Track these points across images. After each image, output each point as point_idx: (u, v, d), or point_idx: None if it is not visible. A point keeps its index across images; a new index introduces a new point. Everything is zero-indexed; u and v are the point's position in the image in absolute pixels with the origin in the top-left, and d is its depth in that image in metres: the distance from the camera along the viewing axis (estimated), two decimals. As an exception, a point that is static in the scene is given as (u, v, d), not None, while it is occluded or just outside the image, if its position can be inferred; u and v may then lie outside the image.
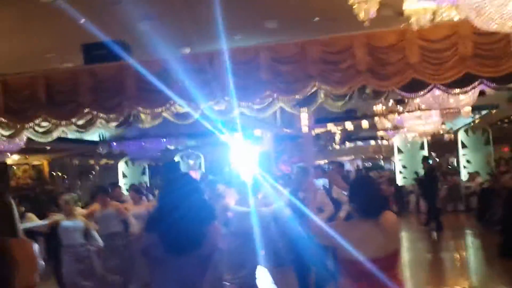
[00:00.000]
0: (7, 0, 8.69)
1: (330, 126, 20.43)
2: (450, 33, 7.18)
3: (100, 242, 9.16)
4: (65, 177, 22.15)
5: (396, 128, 18.23)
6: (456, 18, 6.97)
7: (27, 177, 20.11)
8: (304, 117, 14.70)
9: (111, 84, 8.23)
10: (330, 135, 22.90)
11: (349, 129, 20.15)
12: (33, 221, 9.89)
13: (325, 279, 6.99)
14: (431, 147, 23.15)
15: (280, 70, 7.82)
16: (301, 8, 9.45)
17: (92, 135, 15.62)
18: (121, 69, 8.11)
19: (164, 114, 8.59)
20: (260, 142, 17.99)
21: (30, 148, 15.32)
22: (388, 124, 17.59)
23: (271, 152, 17.34)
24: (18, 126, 8.65)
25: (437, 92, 9.08)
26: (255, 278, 8.49)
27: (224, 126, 10.95)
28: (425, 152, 22.16)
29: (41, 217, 10.26)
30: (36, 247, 6.68)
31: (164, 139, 17.57)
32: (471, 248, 13.57)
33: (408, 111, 14.81)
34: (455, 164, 23.78)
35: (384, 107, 15.17)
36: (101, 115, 8.49)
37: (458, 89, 7.95)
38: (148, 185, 21.45)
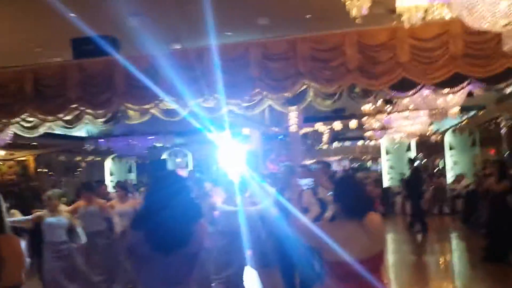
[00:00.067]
0: (-4, -5, 8.61)
1: (318, 126, 20.44)
2: (441, 31, 7.19)
3: (84, 239, 9.07)
4: (51, 173, 21.98)
5: (384, 128, 18.28)
6: (447, 17, 6.96)
7: (12, 173, 19.92)
8: (293, 116, 14.74)
9: (100, 80, 8.17)
10: (318, 135, 22.93)
11: (337, 129, 20.16)
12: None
13: (311, 279, 6.95)
14: (418, 148, 23.26)
15: (270, 67, 7.80)
16: (293, 5, 9.44)
17: (79, 131, 15.49)
18: (110, 65, 8.06)
19: (153, 110, 8.54)
20: (248, 141, 17.96)
21: (16, 144, 15.17)
22: (376, 124, 17.63)
23: (259, 151, 17.31)
24: (4, 121, 8.56)
25: (425, 92, 9.12)
26: (242, 278, 8.46)
27: (212, 124, 10.88)
28: (412, 153, 22.25)
29: (25, 213, 10.12)
30: (23, 243, 6.58)
31: (152, 137, 17.51)
32: (456, 251, 13.60)
33: (396, 111, 14.85)
34: (442, 166, 23.87)
35: (372, 107, 15.20)
36: (89, 110, 8.43)
37: (447, 89, 7.98)
38: (135, 182, 21.37)
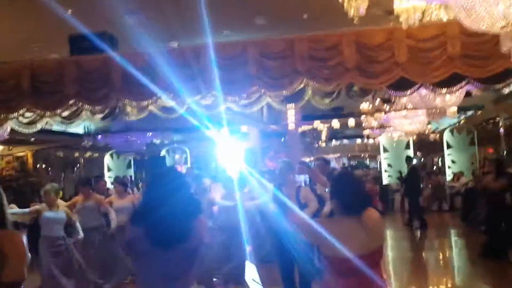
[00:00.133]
0: (-7, -10, 8.59)
1: (317, 124, 20.46)
2: (438, 32, 7.20)
3: (82, 234, 9.09)
4: (49, 169, 22.00)
5: (382, 126, 18.31)
6: (445, 18, 6.96)
7: (11, 168, 19.93)
8: (291, 113, 14.76)
9: (97, 76, 8.16)
10: (316, 133, 22.93)
11: (335, 127, 20.17)
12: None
13: (310, 275, 6.96)
14: (416, 146, 23.28)
15: (268, 66, 7.80)
16: (290, 5, 9.42)
17: (77, 128, 15.49)
18: (107, 61, 8.05)
19: (150, 107, 8.54)
20: (246, 138, 17.97)
21: (14, 139, 15.17)
22: (374, 123, 17.64)
23: (257, 149, 17.33)
24: (2, 116, 8.55)
25: (424, 91, 9.12)
26: (243, 273, 8.47)
27: (210, 122, 10.89)
28: (411, 152, 22.27)
29: (23, 208, 10.15)
30: (24, 239, 6.56)
31: (150, 133, 17.51)
32: (454, 248, 13.62)
33: (394, 110, 14.86)
34: (440, 164, 23.91)
35: (370, 106, 15.20)
36: (86, 106, 8.43)
37: (445, 89, 7.98)
38: (133, 178, 21.36)
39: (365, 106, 15.34)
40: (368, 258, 3.57)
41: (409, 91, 7.99)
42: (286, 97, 8.38)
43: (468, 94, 10.43)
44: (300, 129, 17.27)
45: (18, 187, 18.10)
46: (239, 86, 7.95)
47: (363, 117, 17.11)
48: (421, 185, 17.31)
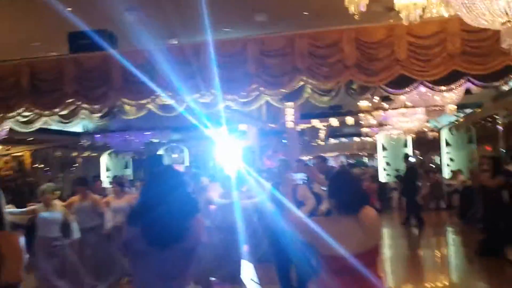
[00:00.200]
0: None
1: (315, 122, 20.46)
2: (439, 29, 7.19)
3: (78, 235, 9.04)
4: (48, 169, 21.93)
5: (380, 125, 18.30)
6: (445, 15, 6.96)
7: (9, 168, 19.88)
8: (290, 112, 14.75)
9: (96, 74, 8.15)
10: (315, 131, 22.93)
11: (333, 125, 20.17)
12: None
13: (307, 274, 6.95)
14: (415, 144, 23.27)
15: (268, 63, 7.79)
16: (290, 2, 9.41)
17: (76, 127, 15.45)
18: (107, 59, 8.03)
19: (149, 106, 8.52)
20: (244, 137, 17.95)
21: (12, 139, 15.12)
22: (373, 121, 17.64)
23: (255, 147, 17.31)
24: (1, 115, 8.53)
25: (422, 89, 9.13)
26: (239, 272, 8.46)
27: (209, 120, 10.87)
28: (409, 150, 22.27)
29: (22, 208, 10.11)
30: (22, 240, 6.51)
31: (148, 132, 17.47)
32: (452, 246, 13.63)
33: (393, 108, 14.86)
34: (438, 162, 23.91)
35: (369, 104, 15.20)
36: (85, 105, 8.40)
37: (445, 87, 7.98)
38: (132, 178, 21.32)
39: (363, 104, 15.33)
40: (365, 257, 3.55)
41: (408, 88, 7.98)
42: (285, 95, 8.36)
43: (467, 91, 10.43)
44: (298, 128, 17.25)
45: (16, 187, 18.04)
46: (239, 84, 7.94)
47: (361, 115, 17.11)
48: (419, 184, 17.29)
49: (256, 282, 8.99)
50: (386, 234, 14.73)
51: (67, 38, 8.56)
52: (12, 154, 19.86)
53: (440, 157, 22.48)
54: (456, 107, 14.01)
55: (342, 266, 3.53)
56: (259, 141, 18.06)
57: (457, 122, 20.40)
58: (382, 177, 22.68)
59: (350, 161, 31.72)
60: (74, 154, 22.60)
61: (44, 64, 8.34)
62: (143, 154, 21.34)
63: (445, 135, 21.26)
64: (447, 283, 9.53)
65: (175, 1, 8.49)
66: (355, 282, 3.55)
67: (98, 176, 17.12)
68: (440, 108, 13.90)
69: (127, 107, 8.80)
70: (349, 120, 18.50)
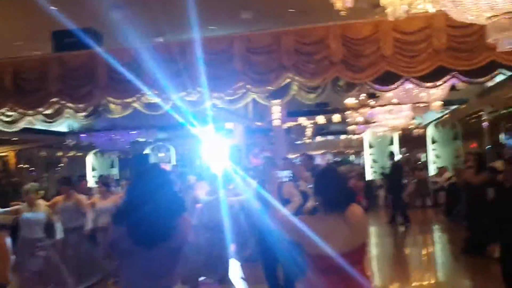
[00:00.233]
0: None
1: (301, 120, 20.46)
2: (424, 25, 7.21)
3: (61, 235, 8.95)
4: (32, 169, 21.77)
5: (367, 122, 18.33)
6: (431, 10, 6.97)
7: (-8, 168, 19.74)
8: (276, 110, 14.73)
9: (81, 73, 8.08)
10: (301, 129, 22.94)
11: (320, 123, 20.20)
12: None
13: (294, 273, 6.93)
14: (401, 142, 23.34)
15: (254, 60, 7.77)
16: (276, -1, 9.41)
17: (60, 126, 15.32)
18: (92, 58, 7.96)
19: (135, 104, 8.46)
20: (231, 135, 17.92)
21: (-3, 139, 15.01)
22: (359, 118, 17.66)
23: (242, 146, 17.28)
24: (-17, 116, 8.44)
25: (408, 86, 9.15)
26: (227, 271, 8.43)
27: (195, 119, 10.82)
28: (395, 147, 22.34)
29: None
30: (8, 240, 6.38)
31: (134, 131, 17.38)
32: (438, 244, 13.68)
33: (379, 105, 14.89)
34: (425, 159, 24.00)
35: (356, 101, 15.22)
36: (70, 104, 8.33)
37: (431, 83, 8.00)
38: (118, 177, 21.21)
39: (350, 101, 15.35)
40: (351, 256, 3.53)
41: (395, 85, 7.99)
42: (271, 93, 8.34)
43: (452, 88, 10.46)
44: (285, 126, 17.25)
45: (0, 187, 17.90)
46: (225, 82, 7.91)
47: (348, 112, 17.14)
48: (404, 181, 17.33)
49: (244, 280, 8.97)
50: (373, 233, 14.75)
51: (50, 37, 8.47)
52: (-4, 155, 19.70)
53: (426, 154, 22.56)
54: (442, 103, 14.05)
55: (329, 265, 3.50)
56: (246, 139, 18.03)
57: (442, 119, 20.50)
58: (369, 175, 22.74)
59: (337, 159, 31.76)
60: (59, 154, 22.45)
61: (27, 63, 8.26)
62: (129, 153, 21.23)
63: (431, 131, 21.35)
64: (433, 281, 9.57)
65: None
66: (342, 281, 3.53)
67: (84, 175, 17.01)
68: (426, 104, 13.95)
69: (112, 106, 8.73)
70: (336, 117, 18.53)
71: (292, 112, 17.95)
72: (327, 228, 3.57)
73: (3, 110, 8.39)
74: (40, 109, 8.37)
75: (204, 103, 8.43)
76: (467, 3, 4.81)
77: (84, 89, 8.06)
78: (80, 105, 8.45)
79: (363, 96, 14.40)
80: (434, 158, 21.36)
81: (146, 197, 3.30)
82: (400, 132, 20.78)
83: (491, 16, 4.84)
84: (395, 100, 13.53)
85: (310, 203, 7.49)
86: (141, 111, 8.77)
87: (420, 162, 25.10)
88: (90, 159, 22.09)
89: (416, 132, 22.32)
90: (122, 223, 3.29)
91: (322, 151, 31.07)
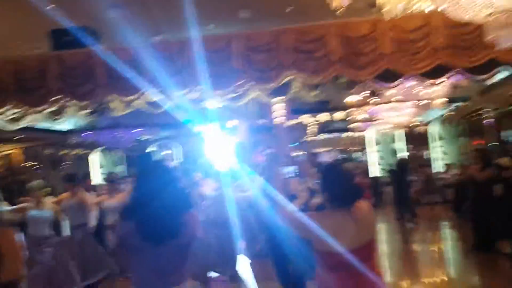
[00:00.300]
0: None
1: (305, 117, 20.41)
2: (423, 23, 7.22)
3: (67, 232, 8.99)
4: (38, 166, 21.84)
5: (370, 119, 18.27)
6: (428, 9, 6.96)
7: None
8: (279, 107, 14.70)
9: (80, 71, 8.10)
10: (305, 127, 22.88)
11: (323, 121, 20.13)
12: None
13: (304, 270, 6.94)
14: (407, 139, 23.28)
15: (253, 59, 7.78)
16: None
17: (64, 124, 15.38)
18: (90, 56, 7.99)
19: (136, 102, 8.49)
20: (236, 133, 17.91)
21: (1, 138, 15.05)
22: (362, 116, 17.61)
23: (247, 143, 17.26)
24: (-14, 113, 8.50)
25: (410, 83, 9.14)
26: (236, 267, 8.46)
27: (199, 116, 10.84)
28: (400, 144, 22.29)
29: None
30: (21, 237, 6.40)
31: (138, 129, 17.39)
32: (447, 240, 13.64)
33: (382, 103, 14.85)
34: (430, 156, 23.93)
35: (357, 99, 15.18)
36: (72, 102, 8.37)
37: (431, 80, 8.00)
38: (126, 174, 21.22)
39: (351, 99, 15.32)
40: (360, 252, 3.52)
41: (395, 83, 8.00)
42: (273, 90, 8.36)
43: (454, 85, 10.44)
44: (289, 123, 17.22)
45: (6, 185, 17.96)
46: (225, 80, 7.93)
47: (350, 110, 17.09)
48: (410, 178, 17.30)
49: (252, 277, 8.99)
50: (381, 229, 14.74)
51: (49, 35, 8.50)
52: (2, 153, 19.79)
53: (432, 150, 22.50)
54: (443, 100, 14.01)
55: (338, 262, 3.50)
56: (251, 137, 18.03)
57: (446, 116, 20.42)
58: (376, 172, 22.70)
59: (341, 156, 31.69)
60: (64, 152, 22.52)
61: (27, 61, 8.29)
62: (136, 151, 21.27)
63: (436, 129, 21.29)
64: (443, 278, 9.55)
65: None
66: (351, 277, 3.52)
67: (88, 173, 17.07)
68: (429, 102, 13.90)
69: (114, 104, 8.76)
70: (339, 115, 18.48)
71: (296, 110, 17.90)
72: (334, 224, 3.56)
73: (6, 108, 8.43)
74: (42, 107, 8.42)
75: (205, 101, 8.47)
76: (465, 1, 4.82)
77: (85, 87, 8.09)
78: (82, 103, 8.48)
79: (365, 94, 14.36)
80: (441, 155, 21.30)
81: (152, 194, 3.32)
82: (406, 129, 20.73)
83: (489, 14, 4.84)
84: (397, 98, 13.50)
85: (316, 199, 7.50)
86: (144, 109, 8.80)
87: (426, 159, 25.04)
88: (97, 157, 22.15)
89: (423, 129, 22.26)
90: (130, 219, 3.32)
91: (326, 149, 31.02)
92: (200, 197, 8.56)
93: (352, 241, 3.52)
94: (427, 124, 21.86)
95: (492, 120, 17.15)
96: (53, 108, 8.52)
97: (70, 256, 8.74)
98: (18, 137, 16.43)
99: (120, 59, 7.66)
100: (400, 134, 22.30)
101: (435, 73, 7.64)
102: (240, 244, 8.35)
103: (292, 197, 6.89)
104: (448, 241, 13.54)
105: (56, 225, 8.90)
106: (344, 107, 17.04)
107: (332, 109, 18.16)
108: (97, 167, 21.87)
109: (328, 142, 30.06)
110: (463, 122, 20.53)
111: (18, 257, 4.58)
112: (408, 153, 22.57)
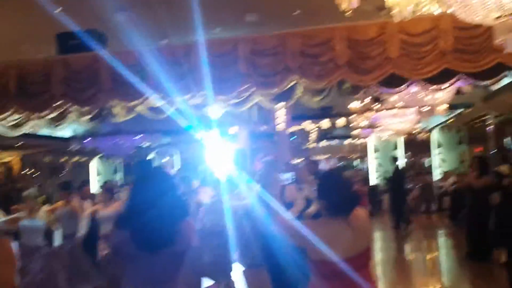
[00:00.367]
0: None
1: (306, 124, 20.40)
2: (431, 27, 7.17)
3: (60, 242, 8.88)
4: (37, 174, 21.78)
5: (372, 126, 18.26)
6: (437, 12, 6.92)
7: (-1, 174, 19.76)
8: (281, 114, 14.68)
9: (85, 76, 8.06)
10: (305, 134, 22.88)
11: (324, 127, 20.12)
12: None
13: (298, 279, 6.87)
14: (406, 146, 23.28)
15: (259, 63, 7.74)
16: (281, 1, 9.34)
17: (64, 131, 15.33)
18: (96, 60, 7.95)
19: (139, 108, 8.44)
20: (236, 139, 17.89)
21: (2, 144, 14.99)
22: (364, 122, 17.59)
23: (246, 150, 17.23)
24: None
25: (414, 89, 9.10)
26: (230, 275, 8.38)
27: (200, 123, 10.80)
28: (399, 152, 22.28)
29: (10, 214, 9.96)
30: (14, 245, 6.33)
31: (139, 136, 17.36)
32: (443, 248, 13.62)
33: (384, 109, 14.82)
34: (429, 164, 23.95)
35: (360, 105, 15.15)
36: (74, 108, 8.31)
37: (437, 85, 7.95)
38: (123, 182, 21.16)
39: (354, 105, 15.29)
40: (355, 260, 3.49)
41: (400, 87, 7.95)
42: (276, 96, 8.30)
43: (458, 91, 10.41)
44: (289, 130, 17.20)
45: (4, 193, 17.87)
46: (230, 84, 7.88)
47: (352, 116, 17.07)
48: (407, 186, 17.29)
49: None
50: (377, 237, 14.70)
51: (55, 39, 8.46)
52: (0, 160, 19.71)
53: (432, 158, 22.50)
54: (447, 106, 13.99)
55: (332, 271, 3.46)
56: (251, 143, 17.99)
57: (447, 123, 20.43)
58: (374, 180, 22.68)
59: (341, 164, 31.70)
60: (64, 159, 22.45)
61: (31, 66, 8.25)
62: (134, 158, 21.22)
63: (436, 135, 21.29)
64: (438, 287, 9.51)
65: (165, 1, 8.40)
66: (345, 286, 3.48)
67: (88, 181, 16.99)
68: (431, 108, 13.87)
69: (116, 109, 8.70)
70: (340, 121, 18.46)
71: (296, 117, 17.89)
72: (330, 232, 3.52)
73: (7, 114, 8.36)
74: (45, 113, 8.35)
75: (208, 106, 8.42)
76: (475, 3, 4.77)
77: (88, 92, 8.05)
78: (84, 108, 8.42)
79: (368, 99, 14.32)
80: (440, 162, 21.29)
81: (149, 201, 3.29)
82: (405, 136, 20.73)
83: (499, 17, 4.79)
84: (400, 104, 13.47)
85: (312, 208, 7.43)
86: (145, 116, 8.74)
87: (426, 167, 25.05)
88: (95, 164, 22.08)
89: (421, 136, 22.27)
90: (125, 228, 3.27)
91: (327, 156, 31.01)
92: (198, 205, 8.50)
93: (348, 250, 3.49)
94: (428, 131, 21.86)
95: (494, 127, 17.13)
96: (55, 114, 8.45)
97: (60, 267, 8.61)
98: (18, 144, 16.37)
99: (125, 63, 7.61)
100: (400, 141, 22.29)
101: (440, 78, 7.58)
102: (235, 252, 8.29)
103: (289, 205, 6.83)
104: (443, 249, 13.51)
105: (48, 235, 8.80)
106: (347, 114, 17.01)
107: (335, 115, 18.14)
108: (93, 175, 21.82)
109: (328, 149, 30.06)
110: (464, 129, 20.54)
111: (12, 266, 4.50)
112: (406, 161, 22.55)
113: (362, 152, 27.22)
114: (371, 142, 22.73)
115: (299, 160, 20.13)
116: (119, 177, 22.42)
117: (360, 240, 3.57)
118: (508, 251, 7.69)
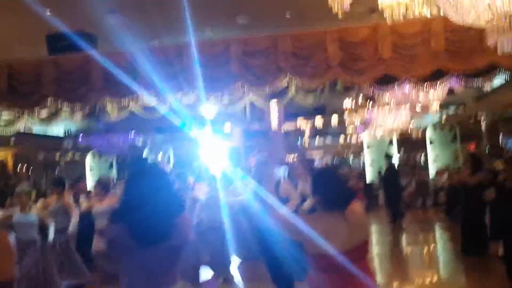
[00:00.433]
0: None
1: (300, 122, 20.42)
2: (422, 28, 7.21)
3: (52, 237, 8.89)
4: (31, 171, 21.75)
5: (365, 124, 18.30)
6: (428, 14, 6.97)
7: (-9, 171, 19.71)
8: (274, 112, 14.74)
9: (76, 76, 8.05)
10: (299, 132, 22.90)
11: (318, 126, 20.14)
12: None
13: (296, 272, 6.90)
14: (400, 144, 23.33)
15: (251, 63, 7.75)
16: (272, 3, 9.34)
17: (58, 129, 15.33)
18: (87, 60, 7.94)
19: (131, 106, 8.43)
20: (229, 137, 17.92)
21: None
22: (357, 121, 17.63)
23: (241, 148, 17.27)
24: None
25: (407, 88, 9.13)
26: (229, 268, 8.42)
27: (194, 121, 10.80)
28: (393, 149, 22.30)
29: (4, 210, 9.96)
30: (12, 238, 6.32)
31: (132, 133, 17.36)
32: (438, 242, 13.66)
33: (378, 107, 14.87)
34: (423, 161, 24.01)
35: (354, 103, 15.21)
36: (65, 106, 8.30)
37: (429, 85, 7.99)
38: (116, 178, 21.13)
39: (348, 104, 15.34)
40: (352, 253, 3.50)
41: (393, 87, 7.99)
42: (269, 95, 8.33)
43: (451, 91, 10.45)
44: (283, 128, 17.24)
45: (-1, 189, 17.88)
46: (222, 84, 7.90)
47: (346, 114, 17.12)
48: (402, 182, 17.34)
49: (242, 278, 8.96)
50: (373, 231, 14.75)
51: (45, 40, 8.45)
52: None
53: (426, 155, 22.56)
54: (439, 105, 14.05)
55: (329, 264, 3.48)
56: (245, 141, 18.03)
57: (441, 121, 20.50)
58: (368, 176, 22.73)
59: (335, 161, 31.73)
60: (58, 156, 22.43)
61: (22, 65, 8.23)
62: (127, 155, 21.20)
63: (429, 133, 21.35)
64: (434, 280, 9.55)
65: (157, 3, 8.39)
66: (343, 279, 3.49)
67: (82, 177, 16.96)
68: (424, 106, 13.93)
69: (109, 108, 8.71)
70: (334, 119, 18.51)
71: (290, 115, 17.93)
72: (327, 226, 3.54)
73: (-1, 112, 8.37)
74: (36, 111, 8.35)
75: (201, 105, 8.44)
76: (466, 6, 4.80)
77: (80, 92, 8.04)
78: (76, 107, 8.42)
79: (361, 98, 14.38)
80: (434, 159, 21.35)
81: (145, 196, 3.28)
82: (400, 134, 20.76)
83: (491, 18, 4.83)
84: (393, 103, 13.52)
85: (308, 203, 7.46)
86: (139, 114, 8.75)
87: (420, 163, 25.11)
88: (88, 160, 22.05)
89: (415, 134, 22.33)
90: (120, 222, 3.28)
91: (321, 153, 31.04)
92: (193, 200, 8.53)
93: (344, 243, 3.50)
94: (422, 129, 21.92)
95: (487, 125, 17.21)
96: (47, 112, 8.45)
97: (52, 261, 8.63)
98: (12, 141, 16.35)
99: (117, 64, 7.60)
100: (394, 139, 22.33)
101: (432, 78, 7.63)
102: (231, 246, 8.33)
103: (283, 200, 6.86)
104: (439, 243, 13.56)
105: (42, 230, 8.81)
106: (340, 112, 17.06)
107: (328, 113, 18.19)
108: (88, 172, 21.78)
109: (322, 147, 30.08)
110: (457, 127, 20.60)
111: (11, 259, 4.52)
112: (400, 158, 22.60)
113: (356, 149, 27.28)
114: (365, 139, 22.77)
115: (293, 157, 20.18)
116: (113, 173, 22.40)
117: (356, 233, 3.58)
118: (505, 244, 7.72)
